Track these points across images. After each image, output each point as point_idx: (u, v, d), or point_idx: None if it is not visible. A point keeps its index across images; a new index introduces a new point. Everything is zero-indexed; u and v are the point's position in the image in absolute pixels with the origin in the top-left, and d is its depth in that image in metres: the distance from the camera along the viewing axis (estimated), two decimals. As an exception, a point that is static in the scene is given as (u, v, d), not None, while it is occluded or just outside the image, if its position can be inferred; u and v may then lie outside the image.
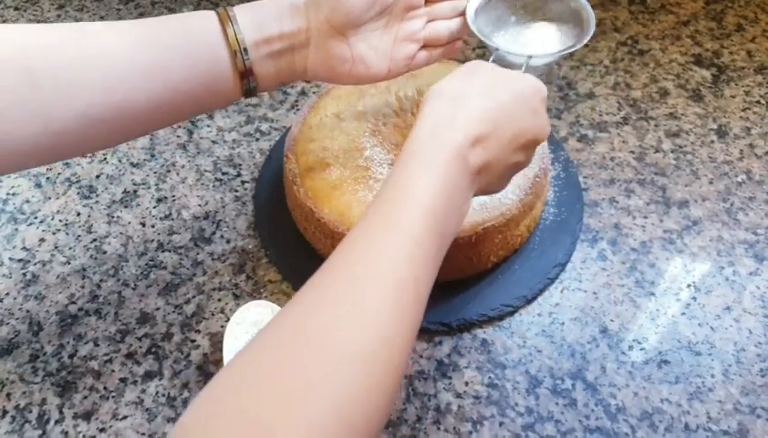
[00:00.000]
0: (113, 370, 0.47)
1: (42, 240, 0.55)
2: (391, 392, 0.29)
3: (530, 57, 0.43)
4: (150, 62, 0.37)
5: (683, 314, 0.48)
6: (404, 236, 0.31)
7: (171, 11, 0.75)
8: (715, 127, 0.61)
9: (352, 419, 0.27)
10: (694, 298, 0.49)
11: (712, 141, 0.60)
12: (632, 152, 0.59)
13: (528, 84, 0.39)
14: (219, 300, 0.50)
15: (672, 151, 0.59)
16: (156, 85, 0.37)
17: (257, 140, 0.62)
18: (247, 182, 0.58)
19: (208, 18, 0.39)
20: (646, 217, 0.54)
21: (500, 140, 0.36)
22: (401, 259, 0.31)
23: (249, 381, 0.27)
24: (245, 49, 0.39)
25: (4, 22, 0.76)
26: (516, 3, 0.46)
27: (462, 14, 0.45)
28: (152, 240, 0.54)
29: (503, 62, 0.44)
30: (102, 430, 0.44)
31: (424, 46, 0.45)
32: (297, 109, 0.64)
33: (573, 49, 0.43)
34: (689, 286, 0.50)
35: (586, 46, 0.69)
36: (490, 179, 0.37)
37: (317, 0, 0.41)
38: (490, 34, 0.45)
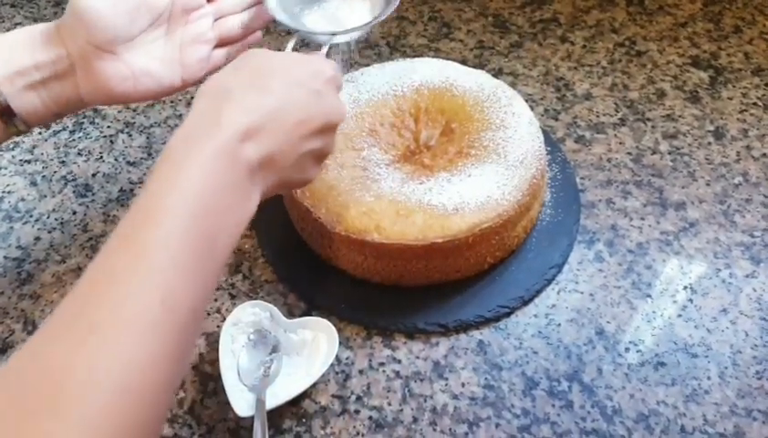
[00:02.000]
0: (108, 370, 0.46)
1: (37, 239, 0.55)
2: (153, 421, 0.27)
3: (333, 33, 0.42)
4: None
5: (680, 316, 0.48)
6: (149, 251, 0.28)
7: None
8: (712, 129, 0.61)
9: None
10: (691, 300, 0.49)
11: (709, 143, 0.60)
12: (629, 154, 0.59)
13: (307, 67, 0.37)
14: (215, 300, 0.50)
15: (669, 153, 0.59)
16: None
17: (254, 139, 0.61)
18: (244, 181, 0.58)
19: None
20: (643, 219, 0.54)
21: (279, 130, 0.34)
22: (143, 280, 0.28)
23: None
24: None
25: (2, 19, 0.75)
26: None
27: (256, 3, 0.44)
28: (148, 239, 0.54)
29: (310, 43, 0.43)
30: (97, 430, 0.44)
31: (219, 45, 0.44)
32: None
33: (375, 22, 0.42)
34: (685, 288, 0.50)
35: (583, 46, 0.69)
36: (282, 172, 0.35)
37: (70, 23, 0.38)
38: (299, 13, 0.43)
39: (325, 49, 0.42)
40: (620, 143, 0.60)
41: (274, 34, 0.70)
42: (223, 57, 0.44)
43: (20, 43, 0.38)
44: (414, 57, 0.64)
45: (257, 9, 0.44)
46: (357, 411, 0.44)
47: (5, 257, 0.53)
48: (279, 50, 0.39)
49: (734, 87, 0.64)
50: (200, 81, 0.43)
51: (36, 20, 0.75)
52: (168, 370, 0.28)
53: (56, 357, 0.26)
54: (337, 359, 0.46)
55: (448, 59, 0.58)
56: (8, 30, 0.74)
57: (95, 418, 0.25)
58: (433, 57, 0.65)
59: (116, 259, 0.28)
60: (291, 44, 0.42)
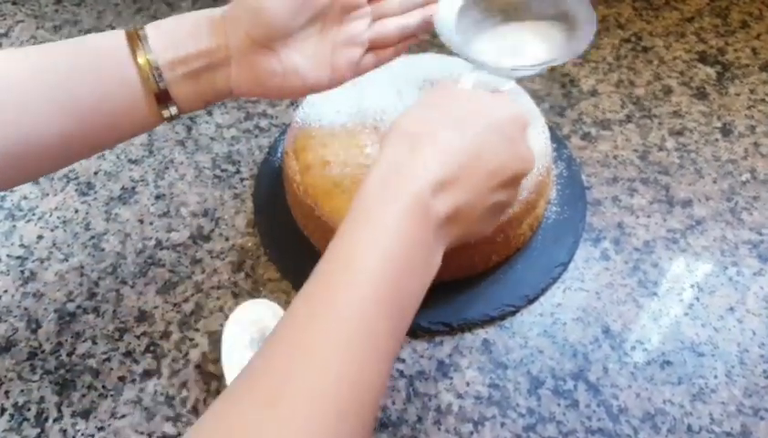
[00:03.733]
0: (111, 369, 0.46)
1: (40, 237, 0.55)
2: None
3: (513, 69, 0.37)
4: (55, 89, 0.34)
5: (686, 314, 0.48)
6: (342, 324, 0.27)
7: (169, 5, 0.75)
8: (719, 125, 0.60)
9: None
10: (697, 299, 0.49)
11: (716, 140, 0.59)
12: (635, 151, 0.58)
13: (506, 111, 0.34)
14: (218, 298, 0.50)
15: (676, 150, 0.58)
16: (64, 112, 0.35)
17: (256, 136, 0.61)
18: (246, 179, 0.58)
19: (117, 38, 0.36)
20: (649, 216, 0.54)
21: (472, 181, 0.31)
22: (331, 355, 0.26)
23: None
24: (158, 70, 0.36)
25: (2, 16, 0.75)
26: (494, 4, 0.39)
27: (426, 4, 0.40)
28: (151, 237, 0.54)
29: (482, 76, 0.38)
30: (101, 428, 0.44)
31: (371, 49, 0.41)
32: (297, 106, 0.64)
33: (564, 59, 0.37)
34: (692, 286, 0.49)
35: (590, 42, 0.68)
36: (465, 225, 0.33)
37: (236, 14, 0.37)
38: (469, 39, 0.39)
39: (506, 88, 0.38)
40: (626, 140, 0.59)
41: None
42: (372, 62, 0.42)
43: (185, 30, 0.37)
44: (418, 53, 0.63)
45: (422, 14, 0.41)
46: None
47: (8, 255, 0.53)
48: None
49: (742, 83, 0.64)
50: (344, 82, 0.41)
51: (37, 17, 0.74)
52: None
53: (235, 423, 0.25)
54: (341, 357, 0.46)
55: (451, 56, 0.58)
56: (9, 27, 0.74)
57: None
58: (437, 53, 0.65)
59: (306, 326, 0.27)
60: (470, 79, 0.38)
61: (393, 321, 0.29)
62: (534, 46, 0.39)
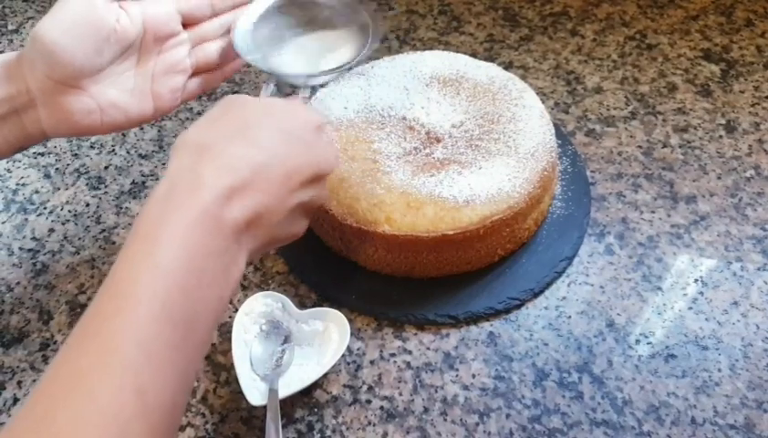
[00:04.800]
0: (122, 360, 0.47)
1: (51, 230, 0.55)
2: None
3: (309, 75, 0.39)
4: None
5: (690, 309, 0.48)
6: (118, 346, 0.25)
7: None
8: (724, 122, 0.61)
9: None
10: (701, 293, 0.49)
11: (721, 137, 0.59)
12: (640, 147, 0.59)
13: (295, 116, 0.34)
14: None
15: (680, 146, 0.59)
16: None
17: (265, 132, 0.62)
18: (255, 174, 0.58)
19: None
20: (653, 212, 0.54)
21: (266, 184, 0.31)
22: (111, 381, 0.25)
23: None
24: None
25: (12, 13, 0.76)
26: (294, 15, 0.41)
27: (229, 32, 0.40)
28: (161, 231, 0.55)
29: (283, 84, 0.40)
30: (112, 418, 0.44)
31: (196, 73, 0.41)
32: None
33: (354, 63, 0.39)
34: (696, 280, 0.50)
35: (594, 40, 0.69)
36: (270, 229, 0.32)
37: (30, 57, 0.36)
38: (268, 52, 0.40)
39: (305, 94, 0.39)
40: (631, 137, 0.60)
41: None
42: (198, 85, 0.42)
43: None
44: (424, 50, 0.64)
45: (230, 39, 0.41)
46: (368, 401, 0.44)
47: (20, 248, 0.54)
48: (255, 93, 0.37)
49: (746, 80, 0.64)
50: (171, 111, 0.41)
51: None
52: None
53: None
54: (349, 349, 0.46)
55: (458, 53, 0.58)
56: (20, 24, 0.75)
57: None
58: (443, 50, 0.65)
59: (82, 356, 0.25)
60: (269, 89, 0.39)
61: (180, 332, 0.27)
62: (331, 53, 0.41)
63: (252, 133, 0.32)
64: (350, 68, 0.40)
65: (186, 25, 0.40)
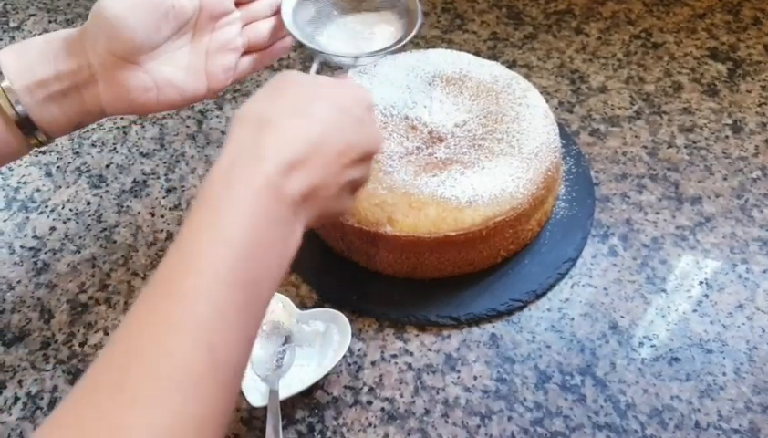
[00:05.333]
0: (123, 359, 0.47)
1: (53, 229, 0.55)
2: None
3: (356, 57, 0.40)
4: None
5: (695, 311, 0.48)
6: (191, 304, 0.27)
7: None
8: (730, 122, 0.60)
9: None
10: (706, 296, 0.48)
11: (727, 137, 0.59)
12: (645, 147, 0.58)
13: (349, 93, 0.35)
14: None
15: (686, 147, 0.58)
16: None
17: (267, 131, 0.61)
18: (256, 173, 0.58)
19: None
20: (658, 213, 0.54)
21: (323, 159, 0.32)
22: (185, 336, 0.26)
23: None
24: (14, 95, 0.35)
25: (14, 10, 0.76)
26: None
27: (278, 11, 0.41)
28: (162, 230, 0.55)
29: (329, 64, 0.40)
30: (112, 418, 0.44)
31: (247, 52, 0.41)
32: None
33: (401, 44, 0.40)
34: (701, 283, 0.49)
35: (599, 38, 0.68)
36: (323, 203, 0.33)
37: (92, 32, 0.36)
38: (312, 32, 0.41)
39: (350, 73, 0.40)
40: (636, 137, 0.59)
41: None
42: (249, 64, 0.42)
43: (40, 52, 0.36)
44: (427, 48, 0.63)
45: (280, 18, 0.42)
46: (369, 403, 0.44)
47: (22, 247, 0.54)
48: (305, 69, 0.38)
49: (753, 79, 0.63)
50: (223, 89, 0.41)
51: (49, 11, 0.75)
52: (210, 435, 0.26)
53: (89, 424, 0.24)
54: (350, 350, 0.46)
55: (461, 51, 0.58)
56: (22, 21, 0.75)
57: None
58: (446, 48, 0.65)
59: (155, 312, 0.27)
60: (315, 66, 0.40)
61: (246, 295, 0.28)
62: (375, 34, 0.42)
63: (309, 109, 0.33)
64: (394, 51, 0.41)
65: (238, 3, 0.41)
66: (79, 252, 0.53)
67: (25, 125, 0.36)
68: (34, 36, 0.72)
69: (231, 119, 0.32)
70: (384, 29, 0.42)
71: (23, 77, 0.36)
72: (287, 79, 0.35)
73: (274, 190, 0.30)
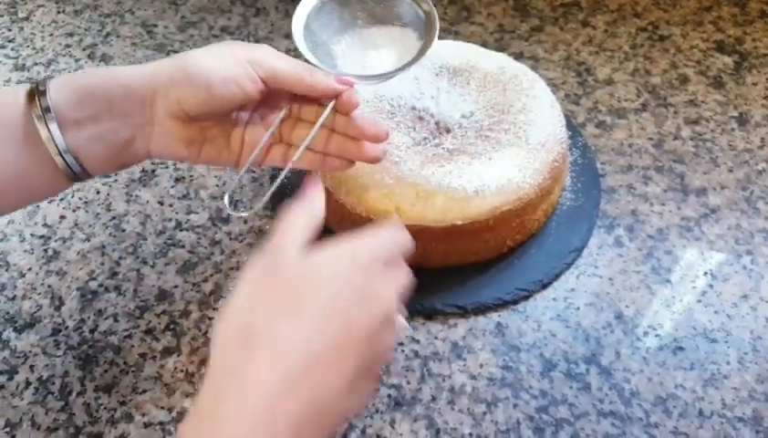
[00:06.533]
0: (132, 346, 0.48)
1: (62, 217, 0.56)
2: None
3: (381, 75, 0.39)
4: None
5: (699, 301, 0.48)
6: None
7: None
8: (736, 114, 0.60)
9: None
10: (711, 286, 0.49)
11: (733, 129, 0.59)
12: (650, 139, 0.58)
13: (353, 279, 0.30)
14: (237, 279, 0.51)
15: (691, 139, 0.58)
16: None
17: (274, 121, 0.62)
18: (264, 163, 0.58)
19: (17, 94, 0.34)
20: (663, 204, 0.54)
21: (320, 374, 0.27)
22: None
23: None
24: (59, 128, 0.34)
25: (23, 1, 0.76)
26: (355, 8, 0.41)
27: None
28: (170, 219, 0.55)
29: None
30: (123, 403, 0.45)
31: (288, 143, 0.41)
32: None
33: (415, 62, 0.39)
34: (705, 273, 0.49)
35: (605, 31, 0.68)
36: (331, 417, 0.28)
37: (178, 80, 0.36)
38: (327, 40, 0.40)
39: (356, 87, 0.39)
40: (642, 129, 0.59)
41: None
42: (280, 156, 0.41)
43: (98, 82, 0.35)
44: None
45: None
46: (375, 389, 0.44)
47: (32, 235, 0.55)
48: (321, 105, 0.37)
49: (759, 72, 0.63)
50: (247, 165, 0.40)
51: (58, 2, 0.75)
52: None
53: None
54: (357, 338, 0.47)
55: (468, 43, 0.58)
56: (31, 12, 0.75)
57: None
58: (453, 40, 0.65)
59: None
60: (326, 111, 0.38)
61: None
62: (387, 50, 0.41)
63: (298, 305, 0.28)
64: (413, 64, 0.39)
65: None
66: (89, 240, 0.54)
67: (70, 162, 0.36)
68: (42, 26, 0.72)
69: (216, 324, 0.29)
70: (400, 48, 0.40)
71: (71, 109, 0.35)
72: (272, 263, 0.30)
73: (270, 416, 0.26)
